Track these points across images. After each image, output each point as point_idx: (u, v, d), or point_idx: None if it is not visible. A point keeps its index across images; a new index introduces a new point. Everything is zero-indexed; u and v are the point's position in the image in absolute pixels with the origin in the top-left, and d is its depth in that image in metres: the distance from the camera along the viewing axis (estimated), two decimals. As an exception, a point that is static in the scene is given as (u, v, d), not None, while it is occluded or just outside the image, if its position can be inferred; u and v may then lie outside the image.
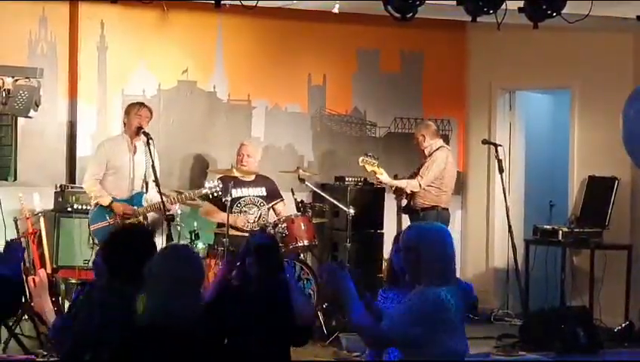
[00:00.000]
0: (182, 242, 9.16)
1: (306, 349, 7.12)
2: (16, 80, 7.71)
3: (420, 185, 9.67)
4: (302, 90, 10.76)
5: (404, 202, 9.98)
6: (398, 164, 10.66)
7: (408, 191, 9.75)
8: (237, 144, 9.70)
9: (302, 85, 10.75)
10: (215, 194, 8.92)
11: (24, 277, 8.51)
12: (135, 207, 8.52)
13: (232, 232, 8.99)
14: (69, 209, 9.31)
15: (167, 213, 8.26)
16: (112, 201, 8.45)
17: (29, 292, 8.51)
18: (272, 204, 9.51)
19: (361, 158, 9.63)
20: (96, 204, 8.55)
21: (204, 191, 8.88)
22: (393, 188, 10.01)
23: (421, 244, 4.79)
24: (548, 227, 10.14)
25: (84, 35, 9.84)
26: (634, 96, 9.43)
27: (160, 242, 8.50)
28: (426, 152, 9.86)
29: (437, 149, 9.82)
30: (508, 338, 9.13)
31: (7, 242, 5.73)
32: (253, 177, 9.46)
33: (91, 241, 8.72)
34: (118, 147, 8.62)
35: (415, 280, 4.82)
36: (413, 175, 9.87)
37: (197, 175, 10.12)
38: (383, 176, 9.72)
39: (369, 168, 9.65)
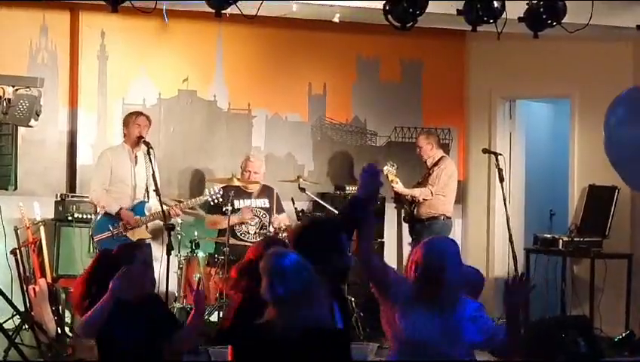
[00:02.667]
0: (182, 251, 9.17)
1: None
2: (17, 89, 7.68)
3: (431, 193, 9.85)
4: (302, 99, 10.76)
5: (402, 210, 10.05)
6: (399, 172, 10.67)
7: (421, 200, 9.83)
8: (237, 153, 9.71)
9: (302, 94, 10.76)
10: (216, 201, 8.92)
11: None
12: (138, 217, 8.51)
13: (233, 241, 8.99)
14: (70, 218, 9.31)
15: (168, 223, 8.25)
16: (120, 208, 8.45)
17: (30, 302, 8.55)
18: (274, 215, 9.50)
19: (385, 168, 9.84)
20: (104, 212, 8.53)
21: (205, 198, 8.89)
22: (394, 197, 10.09)
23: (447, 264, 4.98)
24: (548, 236, 10.14)
25: (85, 45, 9.85)
26: (615, 104, 9.46)
27: (160, 251, 8.51)
28: (429, 162, 9.95)
29: (440, 159, 9.95)
30: (508, 348, 9.10)
31: None
32: (256, 187, 9.46)
33: (92, 251, 8.70)
34: (120, 156, 8.61)
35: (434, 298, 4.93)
36: (418, 185, 9.93)
37: (197, 184, 10.12)
38: (398, 186, 9.85)
39: (390, 177, 9.85)
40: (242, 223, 9.27)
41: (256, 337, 4.50)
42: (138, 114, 8.81)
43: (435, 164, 9.98)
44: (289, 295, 4.42)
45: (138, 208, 8.57)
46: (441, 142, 10.45)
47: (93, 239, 8.54)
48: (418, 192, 9.89)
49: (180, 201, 8.90)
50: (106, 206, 8.49)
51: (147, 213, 8.56)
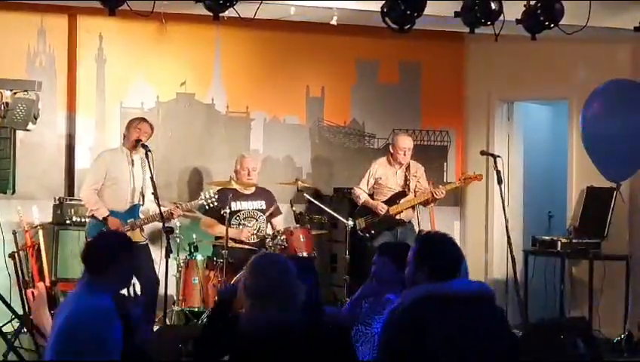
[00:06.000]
0: (181, 254, 9.17)
1: None
2: (15, 93, 7.70)
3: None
4: (300, 101, 10.76)
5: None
6: (397, 175, 10.67)
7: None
8: (236, 156, 9.69)
9: (300, 97, 10.76)
10: (211, 205, 8.90)
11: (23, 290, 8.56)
12: (132, 219, 8.49)
13: (231, 244, 8.98)
14: (68, 221, 9.31)
15: (166, 225, 8.24)
16: (108, 215, 8.42)
17: (28, 306, 8.54)
18: (271, 217, 9.51)
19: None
20: (92, 216, 8.52)
21: (200, 202, 8.85)
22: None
23: None
24: (547, 238, 10.13)
25: (83, 48, 9.86)
26: (591, 98, 9.52)
27: (159, 254, 8.51)
28: (404, 167, 9.84)
29: (410, 162, 9.90)
30: (507, 350, 9.10)
31: None
32: (253, 190, 9.45)
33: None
34: (117, 159, 8.59)
35: None
36: (402, 190, 9.84)
37: (195, 187, 10.12)
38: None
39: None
40: (236, 239, 9.20)
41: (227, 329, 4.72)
42: (142, 119, 8.78)
43: (407, 168, 9.90)
44: (254, 289, 4.64)
45: (133, 211, 8.54)
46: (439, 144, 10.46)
47: (87, 241, 8.51)
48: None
49: (178, 205, 8.86)
50: (94, 210, 8.46)
51: (142, 216, 8.54)
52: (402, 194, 9.81)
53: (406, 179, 9.83)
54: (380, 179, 9.84)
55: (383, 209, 9.72)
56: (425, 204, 9.89)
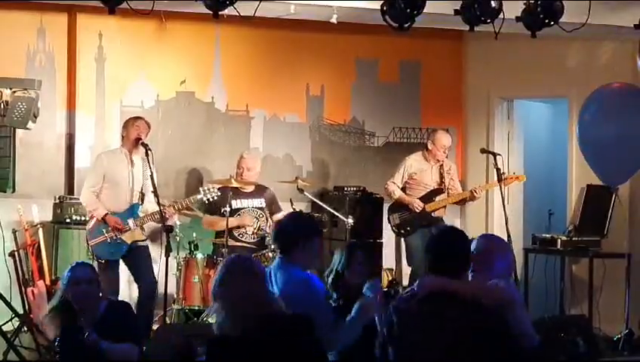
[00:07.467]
0: (181, 253, 9.16)
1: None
2: (14, 91, 7.69)
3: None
4: (300, 100, 10.76)
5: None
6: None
7: None
8: (235, 154, 9.69)
9: (300, 95, 10.76)
10: (211, 199, 8.87)
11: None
12: (132, 218, 8.47)
13: (232, 243, 8.98)
14: (68, 220, 9.30)
15: (166, 224, 8.23)
16: (106, 214, 8.41)
17: (28, 304, 8.54)
18: (271, 214, 9.50)
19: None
20: (92, 217, 8.51)
21: (199, 196, 8.82)
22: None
23: None
24: (547, 236, 10.13)
25: (83, 47, 9.86)
26: (589, 100, 9.51)
27: (159, 253, 8.50)
28: (439, 164, 9.90)
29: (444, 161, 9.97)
30: (507, 348, 9.09)
31: None
32: (252, 188, 9.44)
33: (90, 254, 8.65)
34: (117, 160, 8.56)
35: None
36: (438, 187, 9.88)
37: (195, 186, 10.09)
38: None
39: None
40: (240, 226, 9.23)
41: None
42: (138, 117, 8.80)
43: (441, 165, 9.97)
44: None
45: (132, 211, 8.52)
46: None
47: (88, 244, 8.50)
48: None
49: (175, 202, 8.86)
50: (93, 210, 8.46)
51: (141, 216, 8.52)
52: (438, 191, 9.89)
53: (441, 177, 9.89)
54: (414, 174, 9.94)
55: (419, 206, 9.76)
56: (459, 202, 10.02)
